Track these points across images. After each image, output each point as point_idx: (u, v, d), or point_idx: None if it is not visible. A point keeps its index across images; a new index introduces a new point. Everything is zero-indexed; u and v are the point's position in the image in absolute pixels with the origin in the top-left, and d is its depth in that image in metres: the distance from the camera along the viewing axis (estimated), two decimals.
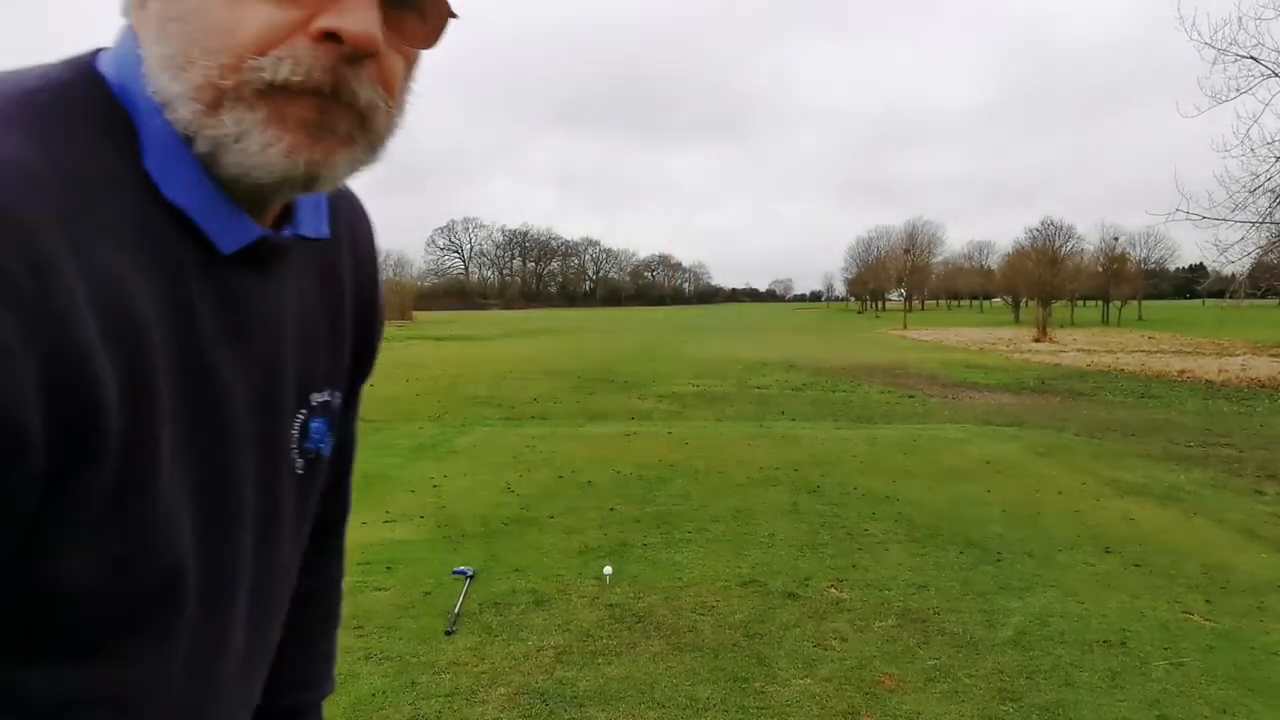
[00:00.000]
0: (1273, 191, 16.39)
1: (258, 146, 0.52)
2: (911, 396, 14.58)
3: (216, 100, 0.51)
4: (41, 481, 0.46)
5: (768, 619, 3.84)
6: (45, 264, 0.44)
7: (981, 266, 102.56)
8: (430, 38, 0.58)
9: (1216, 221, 16.98)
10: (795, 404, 13.08)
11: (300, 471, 0.70)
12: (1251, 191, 16.47)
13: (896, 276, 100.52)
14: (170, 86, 0.52)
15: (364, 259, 0.80)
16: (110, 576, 0.51)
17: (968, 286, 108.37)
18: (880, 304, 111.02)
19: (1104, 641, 3.64)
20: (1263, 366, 21.58)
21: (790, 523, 5.50)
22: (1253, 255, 18.17)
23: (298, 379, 0.67)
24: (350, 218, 0.78)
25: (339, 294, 0.75)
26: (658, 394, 14.02)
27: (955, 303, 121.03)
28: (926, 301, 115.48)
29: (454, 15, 0.58)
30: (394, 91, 0.57)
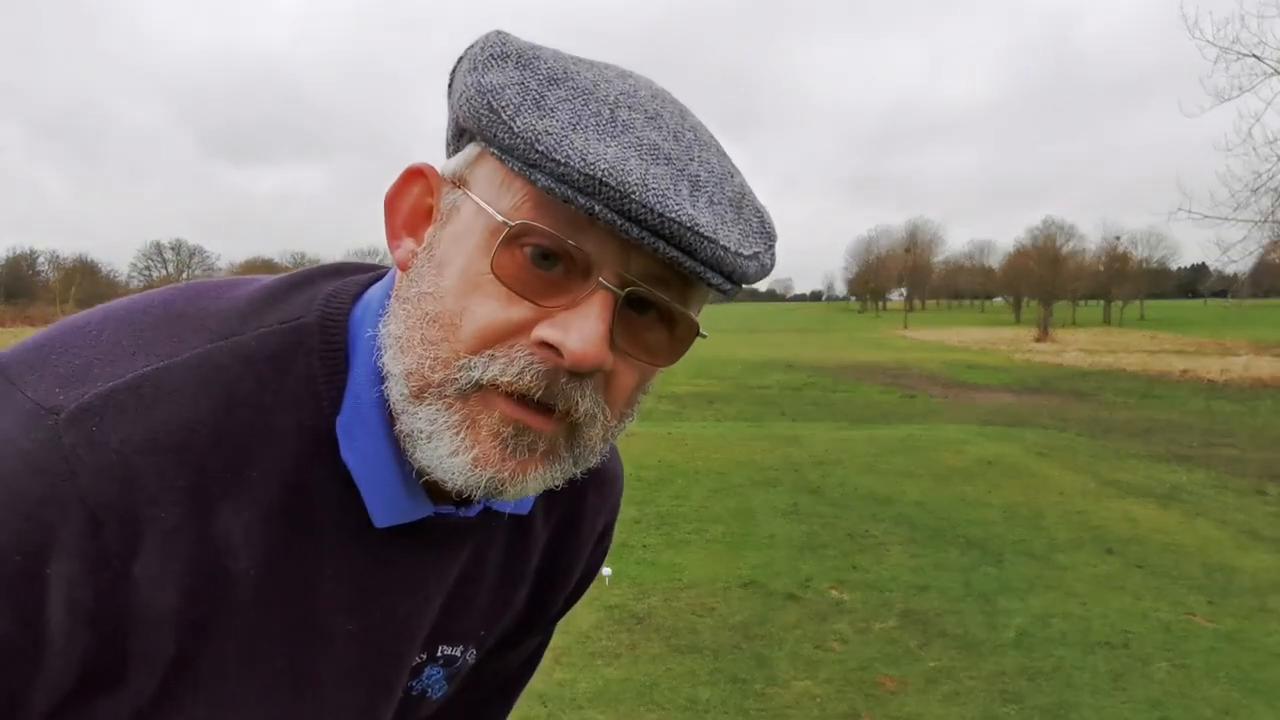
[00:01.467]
0: (1275, 190, 16.38)
1: (446, 451, 0.50)
2: (912, 396, 14.57)
3: (421, 391, 0.50)
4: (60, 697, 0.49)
5: (768, 620, 3.82)
6: (147, 532, 0.47)
7: (983, 266, 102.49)
8: (674, 354, 0.53)
9: (1219, 220, 16.97)
10: (795, 404, 13.06)
11: (398, 704, 0.68)
12: (1254, 191, 16.47)
13: (897, 276, 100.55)
14: (390, 364, 0.52)
15: (580, 541, 0.76)
16: None
17: (969, 286, 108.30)
18: (881, 303, 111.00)
19: (1106, 643, 3.62)
20: (1265, 366, 21.55)
21: (790, 523, 5.49)
22: (1255, 254, 18.19)
23: (431, 632, 0.65)
24: (586, 493, 0.73)
25: (523, 567, 0.71)
26: (657, 394, 13.99)
27: (956, 302, 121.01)
28: (927, 301, 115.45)
29: (702, 335, 0.54)
30: (618, 405, 0.53)
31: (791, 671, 3.31)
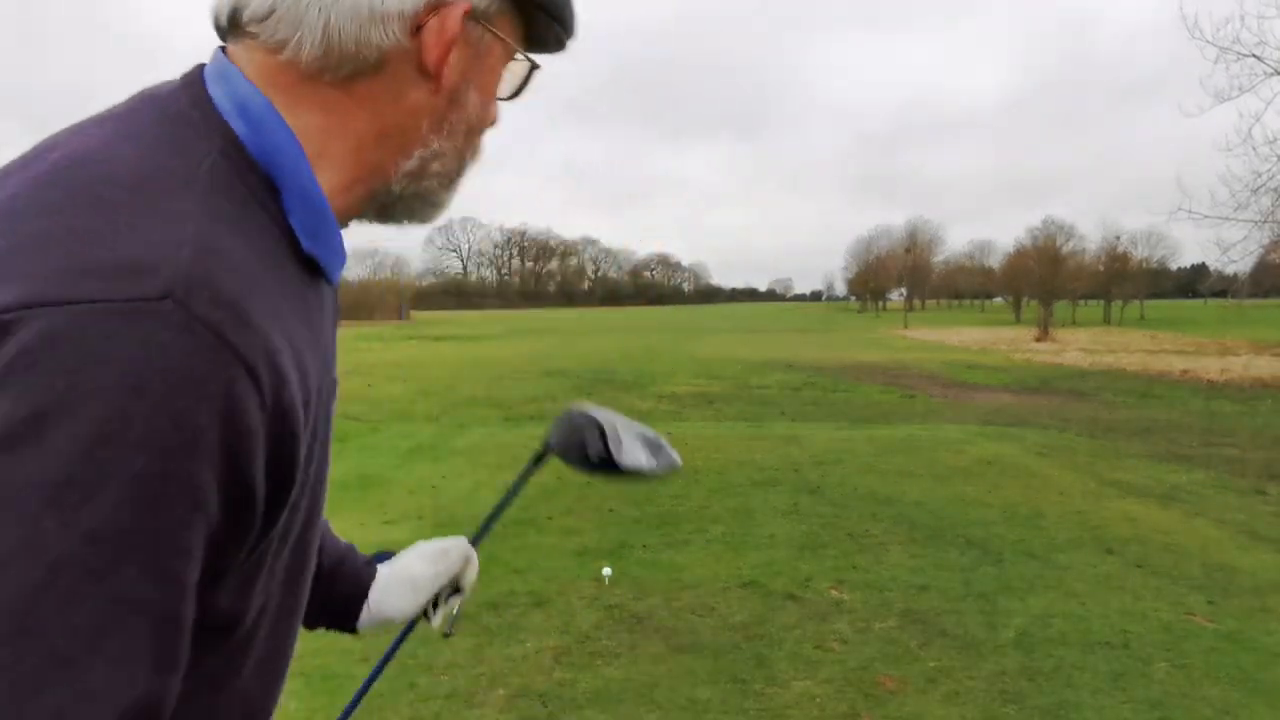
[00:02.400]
0: (1275, 190, 16.36)
1: (445, 201, 0.72)
2: (912, 396, 14.56)
3: (456, 178, 0.72)
4: (254, 535, 0.54)
5: (768, 620, 3.82)
6: (274, 358, 0.51)
7: (982, 266, 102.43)
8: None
9: (1219, 220, 16.95)
10: (795, 404, 13.06)
11: None
12: (1254, 191, 16.44)
13: (897, 276, 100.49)
14: (433, 166, 0.68)
15: None
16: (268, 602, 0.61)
17: (969, 286, 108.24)
18: (881, 303, 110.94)
19: (1106, 643, 3.62)
20: (1265, 366, 21.54)
21: (790, 523, 5.48)
22: (1255, 254, 18.16)
23: None
24: None
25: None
26: (657, 394, 14.00)
27: (956, 302, 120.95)
28: (927, 301, 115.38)
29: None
30: None
31: (791, 671, 3.30)
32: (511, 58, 0.69)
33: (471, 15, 0.63)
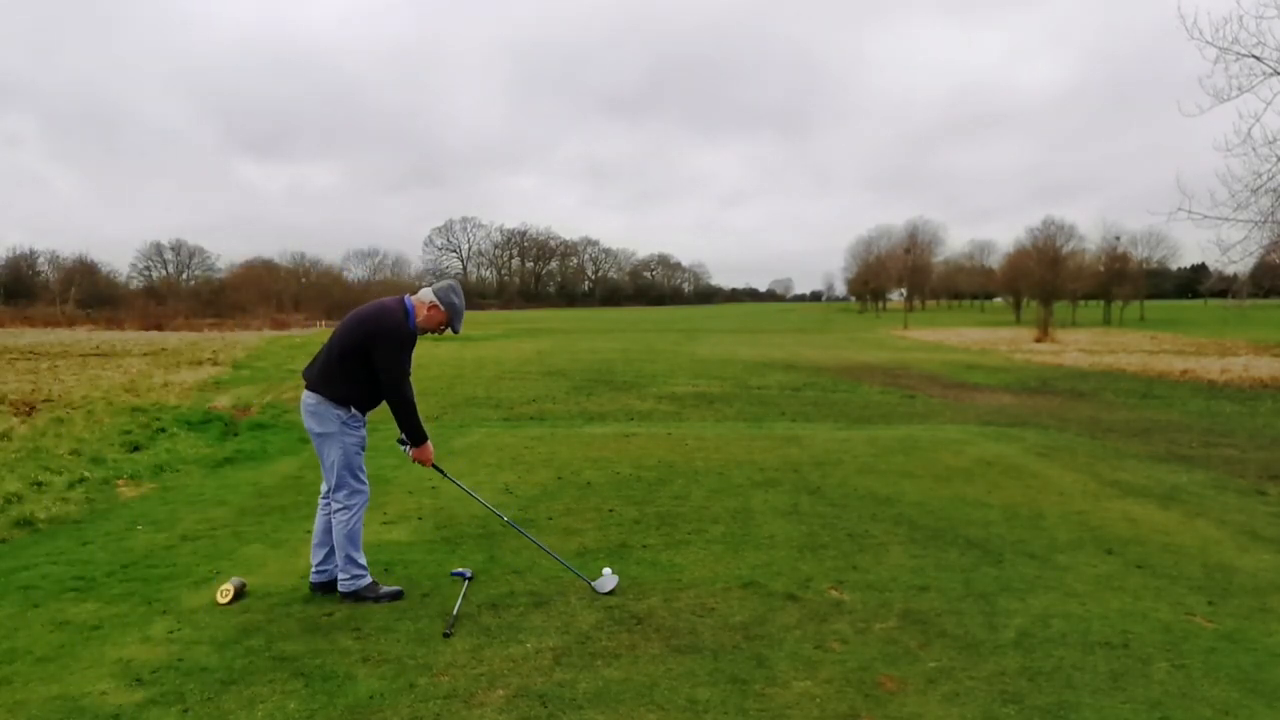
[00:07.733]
0: (1275, 191, 16.34)
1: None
2: (912, 397, 14.56)
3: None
4: None
5: (768, 621, 3.82)
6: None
7: (982, 266, 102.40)
8: None
9: (1219, 221, 16.93)
10: (795, 405, 13.05)
11: None
12: (1254, 191, 16.42)
13: (897, 276, 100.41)
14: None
15: None
16: None
17: (969, 286, 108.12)
18: (881, 303, 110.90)
19: (1106, 643, 3.62)
20: (1265, 366, 21.55)
21: (790, 524, 5.48)
22: (1255, 255, 18.13)
23: None
24: None
25: None
26: (657, 394, 13.99)
27: (956, 302, 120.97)
28: (927, 301, 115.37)
29: None
30: None
31: (791, 671, 3.30)
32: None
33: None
